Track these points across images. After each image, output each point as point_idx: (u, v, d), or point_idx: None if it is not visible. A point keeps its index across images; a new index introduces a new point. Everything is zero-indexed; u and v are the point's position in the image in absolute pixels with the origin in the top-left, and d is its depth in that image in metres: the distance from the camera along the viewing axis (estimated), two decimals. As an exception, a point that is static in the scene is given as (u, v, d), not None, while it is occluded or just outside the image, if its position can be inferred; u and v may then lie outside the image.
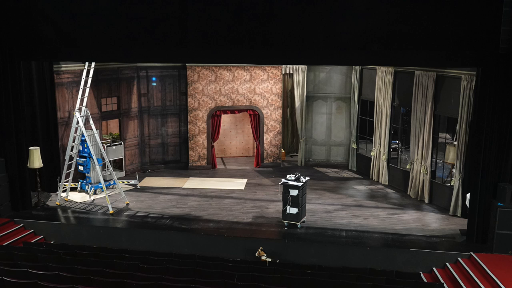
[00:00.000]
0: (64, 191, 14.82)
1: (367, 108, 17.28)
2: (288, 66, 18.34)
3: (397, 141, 16.91)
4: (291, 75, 18.89)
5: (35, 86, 14.49)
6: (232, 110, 18.23)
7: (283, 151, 19.45)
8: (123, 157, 16.83)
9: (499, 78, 11.02)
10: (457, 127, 13.39)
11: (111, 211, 13.78)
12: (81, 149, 14.86)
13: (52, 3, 12.37)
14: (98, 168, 14.60)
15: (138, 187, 16.11)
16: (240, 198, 15.20)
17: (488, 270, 10.34)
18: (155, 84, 17.75)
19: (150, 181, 16.83)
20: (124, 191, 15.04)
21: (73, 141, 14.64)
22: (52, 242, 12.67)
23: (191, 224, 13.13)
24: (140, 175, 17.18)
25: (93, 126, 14.74)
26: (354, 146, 18.10)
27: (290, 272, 9.54)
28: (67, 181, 14.78)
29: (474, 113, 12.17)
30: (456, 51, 11.44)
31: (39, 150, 13.83)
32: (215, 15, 11.75)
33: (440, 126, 15.14)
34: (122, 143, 16.83)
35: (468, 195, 12.46)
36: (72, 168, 14.84)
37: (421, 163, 14.67)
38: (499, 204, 11.19)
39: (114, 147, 16.36)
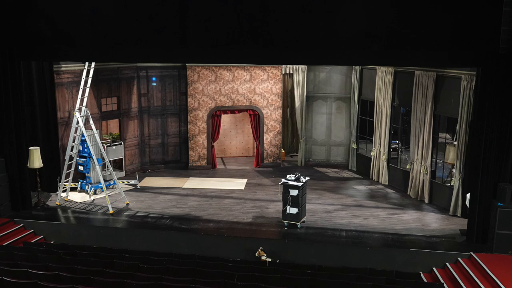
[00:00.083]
0: (64, 191, 14.82)
1: (367, 108, 17.28)
2: (288, 66, 18.34)
3: (397, 141, 16.91)
4: (291, 75, 18.89)
5: (35, 86, 14.49)
6: (232, 110, 18.23)
7: (283, 151, 19.45)
8: (123, 157, 16.83)
9: (499, 78, 11.02)
10: (457, 127, 13.39)
11: (111, 211, 13.78)
12: (81, 149, 14.86)
13: (52, 3, 12.37)
14: (98, 168, 14.60)
15: (138, 187, 16.11)
16: (240, 198, 15.20)
17: (488, 270, 10.34)
18: (155, 84, 17.75)
19: (150, 181, 16.83)
20: (124, 191, 15.04)
21: (73, 141, 14.64)
22: (52, 242, 12.67)
23: (191, 224, 13.13)
24: (140, 175, 17.18)
25: (93, 126, 14.74)
26: (354, 146, 18.10)
27: (290, 272, 9.54)
28: (67, 181, 14.78)
29: (474, 113, 12.17)
30: (456, 51, 11.44)
31: (39, 150, 13.83)
32: (215, 15, 11.74)
33: (440, 126, 15.14)
34: (122, 143, 16.83)
35: (468, 195, 12.46)
36: (72, 168, 14.84)
37: (421, 163, 14.67)
38: (499, 204, 11.19)
39: (114, 147, 16.36)
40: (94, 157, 14.52)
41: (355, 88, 17.59)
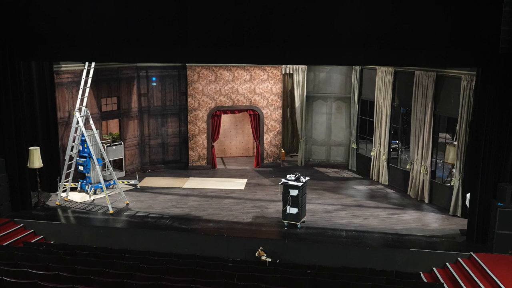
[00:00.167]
0: (64, 191, 14.82)
1: (367, 108, 17.28)
2: (288, 66, 18.35)
3: (397, 141, 16.91)
4: (291, 75, 18.89)
5: (35, 86, 14.48)
6: (232, 110, 18.23)
7: (283, 151, 19.45)
8: (123, 157, 16.83)
9: (499, 78, 11.01)
10: (457, 127, 13.39)
11: (111, 211, 13.78)
12: (81, 149, 14.86)
13: (52, 3, 12.37)
14: (98, 168, 14.60)
15: (138, 187, 16.11)
16: (240, 198, 15.20)
17: (488, 270, 10.34)
18: (155, 84, 17.75)
19: (150, 181, 16.83)
20: (124, 191, 15.04)
21: (73, 141, 14.64)
22: (52, 242, 12.67)
23: (191, 224, 13.13)
24: (140, 175, 17.18)
25: (93, 126, 14.74)
26: (354, 146, 18.10)
27: (290, 272, 9.54)
28: (67, 181, 14.78)
29: (474, 113, 12.18)
30: (456, 51, 11.44)
31: (39, 150, 13.83)
32: (215, 15, 11.75)
33: (440, 126, 15.14)
34: (122, 143, 16.83)
35: (468, 195, 12.46)
36: (72, 168, 14.84)
37: (421, 163, 14.67)
38: (499, 204, 11.19)
39: (114, 147, 16.37)
40: (94, 157, 14.52)
41: (355, 88, 17.59)
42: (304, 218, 13.09)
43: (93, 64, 15.03)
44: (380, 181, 16.64)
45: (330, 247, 11.92)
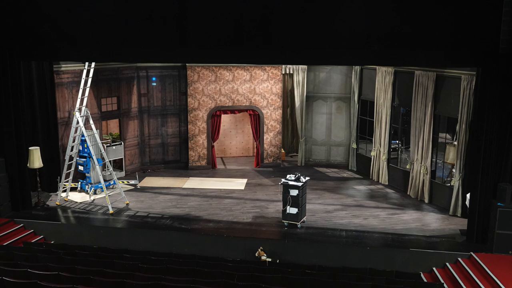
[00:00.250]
0: (64, 191, 14.82)
1: (367, 108, 17.28)
2: (288, 66, 18.35)
3: (397, 141, 16.91)
4: (291, 75, 18.89)
5: (35, 86, 14.48)
6: (232, 110, 18.23)
7: (283, 151, 19.45)
8: (123, 157, 16.84)
9: (499, 78, 11.02)
10: (457, 127, 13.39)
11: (111, 211, 13.78)
12: (81, 149, 14.86)
13: (52, 3, 12.36)
14: (98, 168, 14.60)
15: (138, 187, 16.11)
16: (240, 198, 15.20)
17: (488, 270, 10.34)
18: (155, 84, 17.75)
19: (150, 181, 16.83)
20: (124, 191, 15.04)
21: (73, 141, 14.64)
22: (52, 242, 12.67)
23: (191, 224, 13.13)
24: (140, 175, 17.18)
25: (93, 126, 14.74)
26: (354, 146, 18.10)
27: (290, 272, 9.54)
28: (67, 181, 14.78)
29: (474, 113, 12.18)
30: (456, 51, 11.43)
31: (39, 150, 13.83)
32: (215, 15, 11.74)
33: (440, 126, 15.14)
34: (122, 143, 16.83)
35: (468, 195, 12.46)
36: (72, 168, 14.84)
37: (421, 163, 14.67)
38: (499, 204, 11.19)
39: (114, 147, 16.37)
40: (94, 157, 14.52)
41: (355, 88, 17.59)
42: (304, 218, 13.09)
43: (93, 64, 15.03)
44: (380, 181, 16.64)
45: (330, 247, 11.92)
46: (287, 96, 19.55)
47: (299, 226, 12.79)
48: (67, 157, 14.64)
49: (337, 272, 9.89)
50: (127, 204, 14.50)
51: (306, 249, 12.00)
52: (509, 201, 11.19)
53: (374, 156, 16.84)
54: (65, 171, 14.66)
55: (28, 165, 13.68)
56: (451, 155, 14.03)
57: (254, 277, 9.07)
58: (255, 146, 19.12)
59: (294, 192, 12.56)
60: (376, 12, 11.23)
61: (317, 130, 18.82)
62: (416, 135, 14.85)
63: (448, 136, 16.17)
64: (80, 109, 14.63)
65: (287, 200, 12.65)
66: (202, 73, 17.66)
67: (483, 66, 11.34)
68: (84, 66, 14.89)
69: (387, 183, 16.42)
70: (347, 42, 11.62)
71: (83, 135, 14.54)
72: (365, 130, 17.65)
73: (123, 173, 16.96)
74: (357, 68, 17.37)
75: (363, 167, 17.73)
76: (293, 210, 12.67)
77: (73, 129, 14.59)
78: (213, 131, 18.25)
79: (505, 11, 9.99)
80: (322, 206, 14.48)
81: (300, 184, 12.56)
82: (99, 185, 14.96)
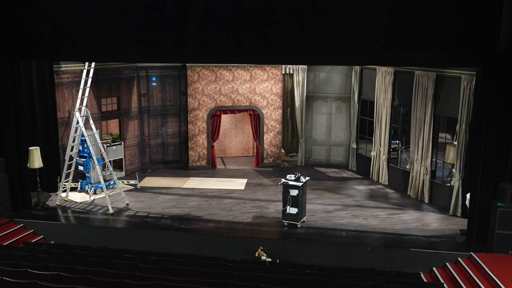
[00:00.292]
0: (64, 191, 14.82)
1: (367, 108, 17.28)
2: (288, 66, 18.34)
3: (397, 141, 16.91)
4: (291, 75, 18.89)
5: (35, 86, 14.48)
6: (232, 110, 18.23)
7: (283, 151, 19.45)
8: (123, 157, 16.84)
9: (499, 78, 11.02)
10: (457, 127, 13.39)
11: (111, 211, 13.78)
12: (81, 149, 14.86)
13: (52, 3, 12.36)
14: (98, 168, 14.60)
15: (138, 187, 16.11)
16: (240, 198, 15.20)
17: (488, 270, 10.34)
18: (155, 84, 17.75)
19: (150, 181, 16.83)
20: (124, 191, 15.04)
21: (73, 141, 14.64)
22: (52, 242, 12.67)
23: (191, 224, 13.13)
24: (140, 175, 17.18)
25: (93, 126, 14.74)
26: (354, 146, 18.10)
27: (290, 272, 9.54)
28: (67, 181, 14.78)
29: (474, 113, 12.18)
30: (456, 51, 11.44)
31: (39, 150, 13.83)
32: (215, 15, 11.74)
33: (440, 126, 15.14)
34: (122, 143, 16.83)
35: (468, 195, 12.47)
36: (72, 168, 14.84)
37: (421, 163, 14.67)
38: (499, 204, 11.19)
39: (114, 147, 16.37)
40: (94, 157, 14.52)
41: (355, 88, 17.59)
42: (304, 218, 13.09)
43: (93, 64, 15.03)
44: (380, 181, 16.64)
45: (330, 247, 11.92)
46: (287, 96, 19.55)
47: (299, 226, 12.79)
48: (67, 157, 14.64)
49: (337, 272, 9.90)
50: (127, 204, 14.50)
51: (306, 249, 12.00)
52: (509, 201, 11.19)
53: (374, 156, 16.84)
54: (65, 171, 14.66)
55: (28, 165, 13.68)
56: (451, 155, 14.03)
57: (254, 277, 9.07)
58: (255, 146, 19.12)
59: (294, 192, 12.56)
60: (377, 12, 11.23)
61: (317, 130, 18.82)
62: (416, 135, 14.85)
63: (448, 136, 16.17)
64: (80, 109, 14.63)
65: (287, 200, 12.65)
66: (202, 73, 17.66)
67: (483, 66, 11.34)
68: (84, 66, 14.89)
69: (387, 183, 16.42)
70: (347, 42, 11.62)
71: (83, 135, 14.54)
72: (365, 130, 17.65)
73: (123, 173, 16.96)
74: (357, 68, 17.37)
75: (363, 167, 17.73)
76: (293, 210, 12.67)
77: (73, 129, 14.59)
78: (213, 131, 18.25)
79: (505, 11, 9.99)
80: (322, 206, 14.48)
81: (300, 184, 12.55)
82: (99, 185, 14.96)
